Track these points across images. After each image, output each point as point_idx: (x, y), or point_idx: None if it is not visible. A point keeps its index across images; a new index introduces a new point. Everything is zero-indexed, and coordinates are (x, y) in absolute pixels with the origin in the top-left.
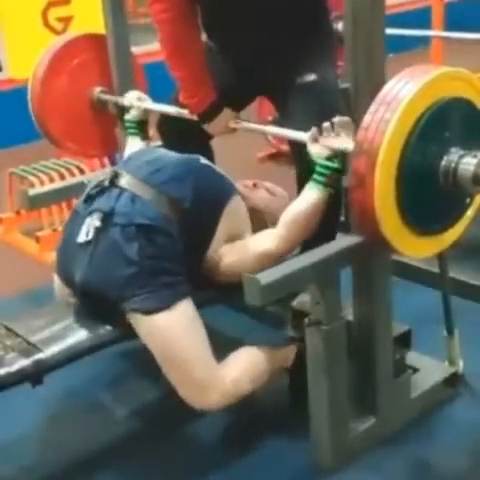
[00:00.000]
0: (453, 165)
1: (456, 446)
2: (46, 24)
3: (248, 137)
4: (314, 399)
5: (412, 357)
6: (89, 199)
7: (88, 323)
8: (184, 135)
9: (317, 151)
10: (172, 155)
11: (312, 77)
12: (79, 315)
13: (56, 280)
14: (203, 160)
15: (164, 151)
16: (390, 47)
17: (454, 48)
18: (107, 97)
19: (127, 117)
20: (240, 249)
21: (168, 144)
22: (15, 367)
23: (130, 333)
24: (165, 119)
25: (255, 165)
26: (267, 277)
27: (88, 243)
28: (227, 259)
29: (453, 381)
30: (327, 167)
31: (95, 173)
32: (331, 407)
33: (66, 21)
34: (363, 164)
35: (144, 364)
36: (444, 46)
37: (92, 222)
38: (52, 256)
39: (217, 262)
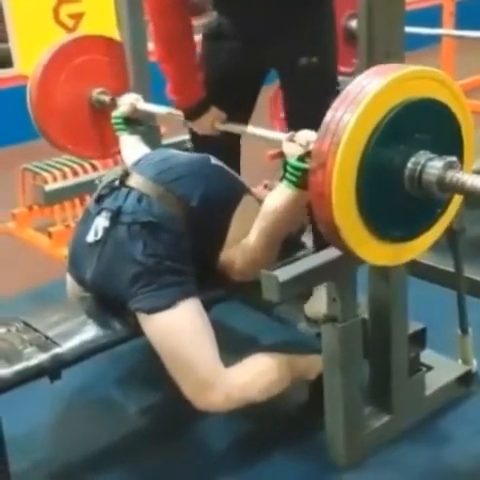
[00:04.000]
0: (419, 168)
1: (469, 444)
2: (57, 20)
3: (256, 137)
4: (329, 396)
5: (426, 355)
6: (100, 199)
7: (105, 319)
8: (215, 146)
9: (289, 150)
10: (183, 155)
11: (313, 59)
12: (95, 311)
13: (68, 279)
14: (214, 160)
15: (175, 151)
16: None
17: (465, 46)
18: (106, 98)
19: (114, 113)
20: (240, 248)
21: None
22: (33, 362)
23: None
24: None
25: (266, 162)
26: (285, 274)
27: (97, 242)
28: (237, 259)
29: (467, 380)
30: (296, 167)
31: (107, 171)
32: (346, 404)
33: (77, 18)
34: (320, 173)
35: (156, 361)
36: (455, 44)
37: (101, 221)
38: (64, 251)
39: (231, 262)
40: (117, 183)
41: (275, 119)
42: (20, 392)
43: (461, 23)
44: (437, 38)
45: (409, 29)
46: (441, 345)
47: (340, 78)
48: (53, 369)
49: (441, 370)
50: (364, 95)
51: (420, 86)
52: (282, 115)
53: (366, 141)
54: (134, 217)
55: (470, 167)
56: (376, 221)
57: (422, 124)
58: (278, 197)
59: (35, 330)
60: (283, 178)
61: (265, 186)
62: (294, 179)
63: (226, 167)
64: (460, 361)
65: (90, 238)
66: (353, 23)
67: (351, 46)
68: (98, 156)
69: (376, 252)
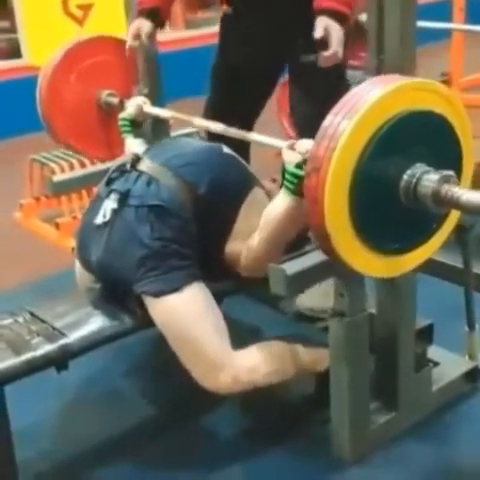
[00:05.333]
0: (414, 181)
1: (476, 440)
2: (66, 11)
3: (264, 130)
4: (335, 391)
5: (433, 351)
6: (110, 182)
7: (112, 310)
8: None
9: (288, 157)
10: (195, 143)
11: (312, 57)
12: (102, 302)
13: (77, 266)
14: (226, 149)
15: (187, 140)
16: None
17: (475, 41)
18: (115, 100)
19: (122, 115)
20: (246, 247)
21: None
22: (40, 352)
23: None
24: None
25: (271, 158)
26: (293, 267)
27: (105, 224)
28: (242, 257)
29: (473, 375)
30: (294, 174)
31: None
32: (352, 399)
33: (86, 9)
34: (314, 177)
35: (162, 353)
36: (465, 39)
37: (109, 203)
38: (71, 242)
39: (238, 256)
40: (128, 166)
41: (282, 112)
42: (27, 382)
43: (471, 18)
44: (447, 33)
45: (419, 23)
46: (448, 341)
47: (348, 72)
48: (60, 360)
49: (448, 366)
50: (363, 103)
51: (420, 98)
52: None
53: (362, 149)
54: (142, 200)
55: (468, 182)
56: (369, 231)
57: (420, 136)
58: (278, 205)
59: (42, 321)
60: (282, 186)
61: (273, 180)
62: (292, 186)
63: (238, 157)
64: (467, 357)
65: (98, 220)
66: (362, 16)
67: (359, 39)
68: (104, 157)
69: (367, 263)
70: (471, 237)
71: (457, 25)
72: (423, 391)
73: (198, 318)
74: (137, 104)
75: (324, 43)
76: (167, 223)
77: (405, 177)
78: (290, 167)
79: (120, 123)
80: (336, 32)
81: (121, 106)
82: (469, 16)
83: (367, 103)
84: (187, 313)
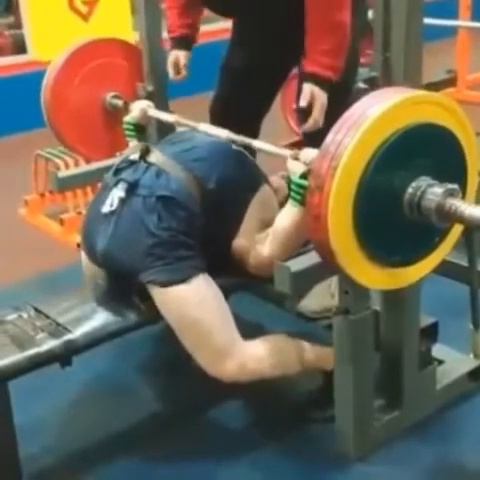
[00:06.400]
0: (419, 194)
1: (479, 439)
2: (71, 7)
3: (271, 125)
4: (339, 388)
5: (438, 349)
6: (117, 171)
7: (116, 306)
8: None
9: (293, 168)
10: (204, 139)
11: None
12: (107, 297)
13: (83, 259)
14: (235, 146)
15: (197, 134)
16: None
17: None
18: (119, 102)
19: (126, 119)
20: (254, 250)
21: None
22: (45, 347)
23: (158, 315)
24: (217, 118)
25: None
26: (297, 265)
27: (112, 213)
28: (251, 257)
29: (477, 374)
30: (299, 185)
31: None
32: (356, 397)
33: (91, 4)
34: (317, 195)
35: (168, 349)
36: (471, 37)
37: (117, 193)
38: (76, 238)
39: (246, 253)
40: (137, 157)
41: (286, 109)
42: (31, 378)
43: (477, 16)
44: (453, 30)
45: (425, 20)
46: (453, 339)
47: None
48: (64, 355)
49: (452, 364)
50: (365, 119)
51: (423, 111)
52: (294, 106)
53: (365, 165)
54: (151, 191)
55: (473, 194)
56: (373, 246)
57: (424, 149)
58: (286, 217)
59: (46, 316)
60: (289, 197)
61: (282, 177)
62: (298, 197)
63: (247, 154)
64: (472, 355)
65: (105, 209)
66: (369, 14)
67: (366, 37)
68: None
69: (372, 276)
70: (477, 236)
71: (463, 23)
72: (427, 389)
73: (206, 306)
74: (141, 108)
75: (309, 110)
76: (175, 214)
77: (409, 190)
78: (295, 178)
79: (124, 127)
80: (319, 100)
81: (126, 108)
82: (475, 14)
83: (368, 119)
84: (195, 302)
